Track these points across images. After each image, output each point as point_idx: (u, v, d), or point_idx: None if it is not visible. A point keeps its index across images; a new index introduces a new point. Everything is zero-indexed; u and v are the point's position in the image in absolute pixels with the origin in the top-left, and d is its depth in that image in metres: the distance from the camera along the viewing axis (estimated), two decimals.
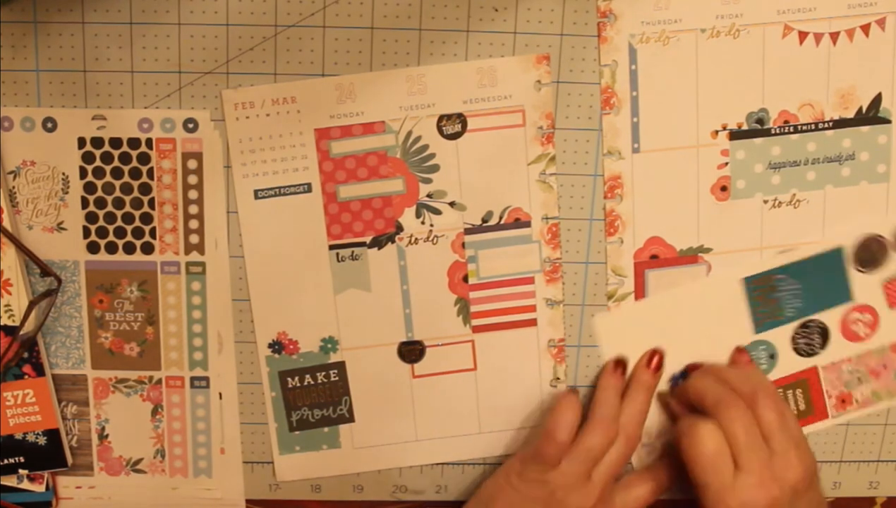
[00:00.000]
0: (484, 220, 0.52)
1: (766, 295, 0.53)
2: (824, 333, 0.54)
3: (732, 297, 0.53)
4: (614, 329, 0.54)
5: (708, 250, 0.53)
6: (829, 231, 0.53)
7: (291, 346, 0.53)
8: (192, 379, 0.54)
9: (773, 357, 0.54)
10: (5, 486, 0.54)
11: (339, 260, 0.52)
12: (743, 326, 0.54)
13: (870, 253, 0.52)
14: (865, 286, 0.53)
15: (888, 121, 0.52)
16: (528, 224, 0.52)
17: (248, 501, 0.56)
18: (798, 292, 0.53)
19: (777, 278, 0.53)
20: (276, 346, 0.53)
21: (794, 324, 0.54)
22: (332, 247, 0.52)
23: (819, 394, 0.55)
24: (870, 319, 0.53)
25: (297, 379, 0.54)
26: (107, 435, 0.54)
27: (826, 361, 0.54)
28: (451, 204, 0.52)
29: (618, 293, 0.53)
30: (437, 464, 0.56)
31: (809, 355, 0.54)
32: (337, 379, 0.54)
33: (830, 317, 0.54)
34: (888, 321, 0.54)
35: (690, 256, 0.53)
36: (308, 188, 0.51)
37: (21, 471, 0.54)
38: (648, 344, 0.53)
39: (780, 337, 0.54)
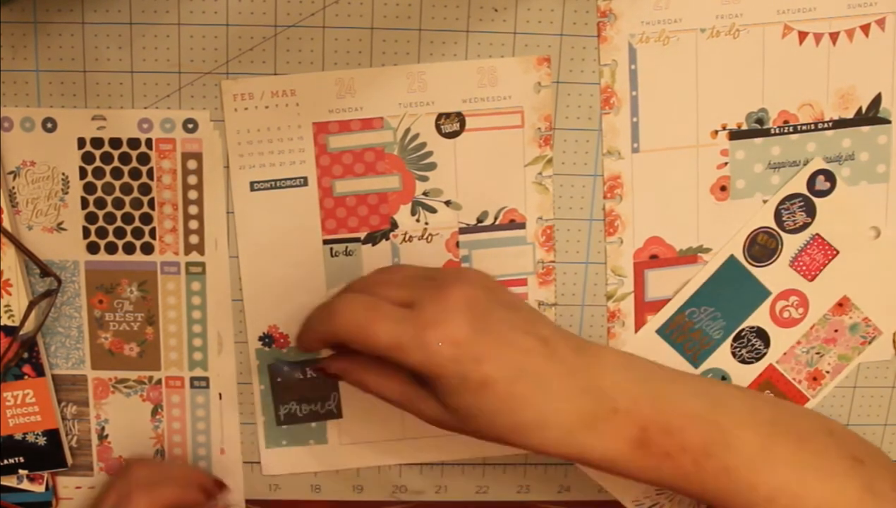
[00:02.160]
0: (479, 220, 0.52)
1: (686, 332, 0.54)
2: (761, 334, 0.54)
3: (660, 349, 0.54)
4: None
5: (707, 250, 0.53)
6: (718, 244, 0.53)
7: (282, 340, 0.53)
8: (192, 379, 0.54)
9: (724, 379, 0.54)
10: (5, 486, 0.54)
11: (332, 256, 0.52)
12: (682, 367, 0.54)
13: (760, 246, 0.52)
14: (775, 275, 0.53)
15: (888, 122, 0.52)
16: (522, 225, 0.52)
17: (247, 501, 0.56)
18: (715, 314, 0.53)
19: (687, 314, 0.53)
20: (267, 339, 0.53)
21: (728, 342, 0.54)
22: (326, 242, 0.52)
23: (788, 385, 0.54)
24: (796, 300, 0.53)
25: (286, 372, 0.54)
26: (107, 436, 0.54)
27: (777, 355, 0.54)
28: (447, 202, 0.52)
29: (617, 293, 0.53)
30: (437, 464, 0.55)
31: (759, 359, 0.54)
32: None
33: (759, 318, 0.53)
34: (814, 292, 0.53)
35: (690, 256, 0.53)
36: (304, 182, 0.51)
37: (21, 471, 0.54)
38: None
39: (722, 357, 0.54)
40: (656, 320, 0.54)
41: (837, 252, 0.53)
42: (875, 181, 0.53)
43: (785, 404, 0.48)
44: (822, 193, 0.52)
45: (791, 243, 0.53)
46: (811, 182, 0.52)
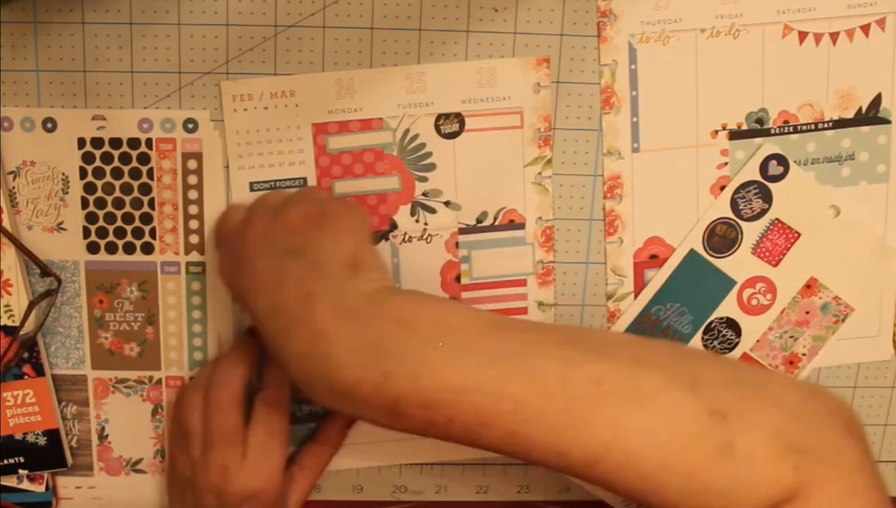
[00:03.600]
0: (478, 221, 0.52)
1: (655, 329, 0.53)
2: (732, 324, 0.53)
3: None
4: None
5: None
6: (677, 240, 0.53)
7: None
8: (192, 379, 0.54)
9: None
10: (5, 486, 0.54)
11: None
12: None
13: (719, 237, 0.52)
14: (739, 264, 0.53)
15: (888, 122, 0.52)
16: (522, 225, 0.52)
17: None
18: (682, 309, 0.53)
19: (653, 312, 0.53)
20: None
21: (699, 335, 0.54)
22: None
23: None
24: (763, 287, 0.53)
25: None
26: (107, 436, 0.54)
27: (751, 343, 0.54)
28: (447, 203, 0.52)
29: (617, 293, 0.53)
30: (437, 464, 0.55)
31: (732, 349, 0.54)
32: None
33: (727, 309, 0.53)
34: (780, 277, 0.53)
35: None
36: (304, 182, 0.51)
37: (21, 471, 0.54)
38: None
39: None
40: (622, 322, 0.53)
41: (799, 234, 0.52)
42: (875, 181, 0.53)
43: (637, 355, 0.41)
44: (776, 178, 0.52)
45: (751, 231, 0.52)
46: (764, 167, 0.52)
